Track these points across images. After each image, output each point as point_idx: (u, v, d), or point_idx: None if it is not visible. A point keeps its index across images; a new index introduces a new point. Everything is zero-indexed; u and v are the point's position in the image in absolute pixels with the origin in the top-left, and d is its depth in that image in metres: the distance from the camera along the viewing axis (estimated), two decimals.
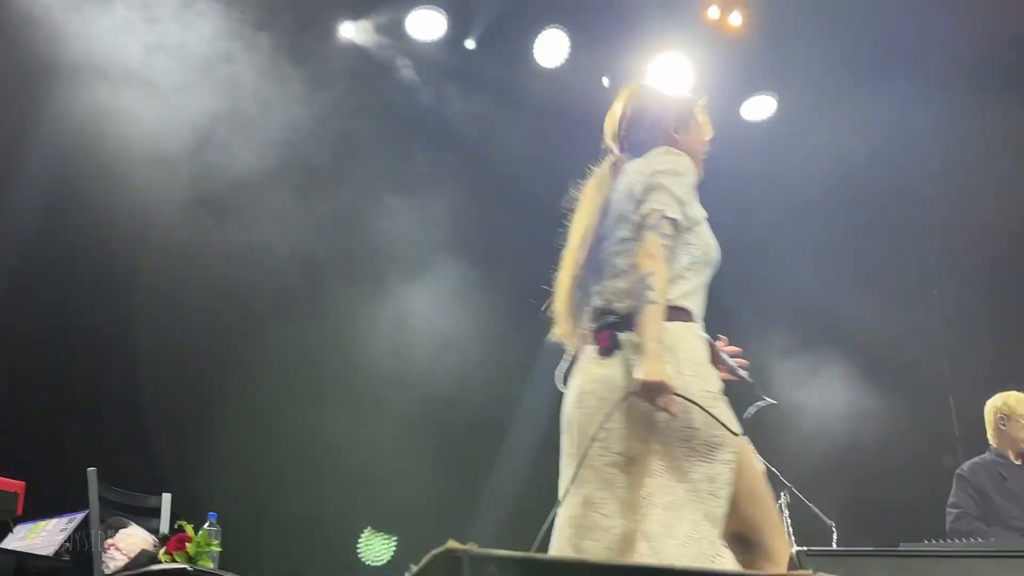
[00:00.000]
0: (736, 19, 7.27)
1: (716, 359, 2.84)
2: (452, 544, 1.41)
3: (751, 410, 2.82)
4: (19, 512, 4.33)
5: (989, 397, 5.35)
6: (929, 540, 4.83)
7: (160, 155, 5.95)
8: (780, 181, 7.47)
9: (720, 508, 2.44)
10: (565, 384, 2.81)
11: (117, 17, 5.94)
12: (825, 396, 6.31)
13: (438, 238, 6.63)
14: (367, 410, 6.35)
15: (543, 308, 2.87)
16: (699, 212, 2.78)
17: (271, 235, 6.25)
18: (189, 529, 4.81)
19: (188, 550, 4.68)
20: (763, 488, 2.61)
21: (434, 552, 1.43)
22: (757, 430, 5.37)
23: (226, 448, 5.95)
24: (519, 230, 6.69)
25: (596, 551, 2.28)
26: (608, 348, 2.64)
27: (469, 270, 6.63)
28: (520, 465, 6.55)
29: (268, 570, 5.49)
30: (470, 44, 7.16)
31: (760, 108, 7.67)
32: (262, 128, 6.23)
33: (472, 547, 1.44)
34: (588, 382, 2.67)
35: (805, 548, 2.20)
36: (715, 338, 2.90)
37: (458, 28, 7.06)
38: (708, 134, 3.03)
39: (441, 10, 6.92)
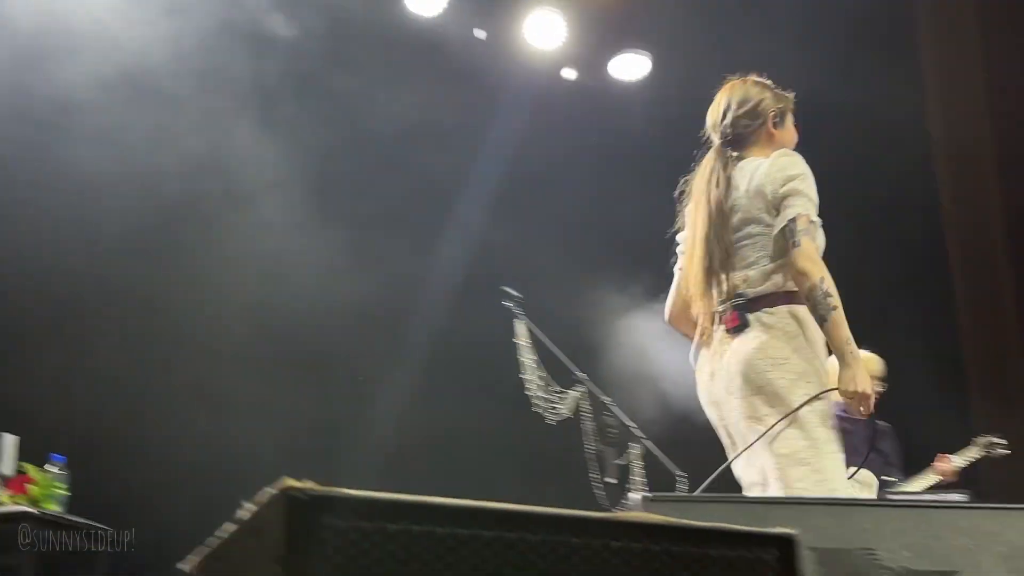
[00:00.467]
0: None
1: None
2: (288, 481, 1.38)
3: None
4: None
5: None
6: None
7: None
8: (654, 140, 7.55)
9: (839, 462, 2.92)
10: (695, 362, 3.28)
11: None
12: (684, 352, 6.45)
13: (289, 173, 6.47)
14: (222, 347, 6.21)
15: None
16: None
17: (117, 168, 6.01)
18: (32, 471, 4.66)
19: (31, 492, 4.54)
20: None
21: (268, 489, 1.40)
22: (617, 382, 5.48)
23: (74, 390, 5.77)
24: (363, 166, 6.67)
25: None
26: (738, 327, 2.99)
27: (319, 203, 6.49)
28: (381, 405, 6.54)
29: (120, 513, 5.35)
30: None
31: (633, 66, 7.71)
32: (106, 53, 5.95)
33: (310, 485, 1.42)
34: (720, 358, 3.07)
35: (649, 494, 2.25)
36: None
37: None
38: (796, 134, 3.32)
39: None
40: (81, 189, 5.97)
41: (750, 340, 2.97)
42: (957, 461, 5.37)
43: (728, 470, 2.98)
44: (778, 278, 3.05)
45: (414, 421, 6.57)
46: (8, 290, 5.87)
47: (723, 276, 3.10)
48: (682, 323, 3.47)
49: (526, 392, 5.01)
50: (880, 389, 5.35)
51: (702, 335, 3.25)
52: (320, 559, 1.37)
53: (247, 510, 1.46)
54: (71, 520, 4.89)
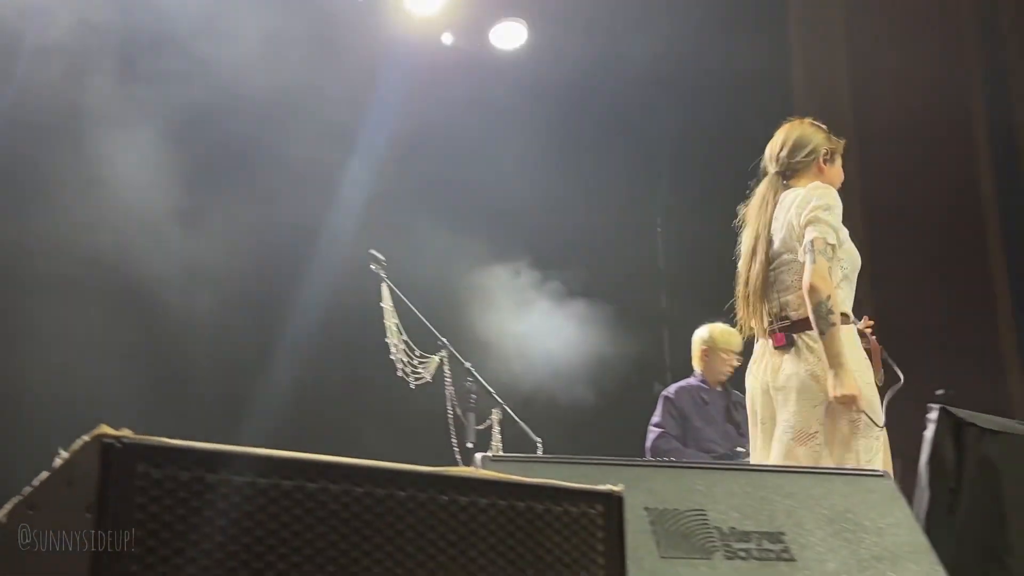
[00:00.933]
0: None
1: (872, 353, 3.53)
2: (103, 429, 1.36)
3: (889, 394, 3.42)
4: None
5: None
6: (631, 457, 5.18)
7: None
8: (529, 109, 7.59)
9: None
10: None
11: None
12: (547, 320, 6.53)
13: (152, 132, 6.27)
14: (75, 294, 6.00)
15: None
16: (844, 232, 3.45)
17: None
18: None
19: None
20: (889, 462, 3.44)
21: (84, 437, 1.37)
22: (480, 349, 5.52)
23: None
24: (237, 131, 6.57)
25: None
26: (784, 345, 3.40)
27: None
28: (242, 360, 6.43)
29: None
30: None
31: (510, 35, 7.72)
32: None
33: (127, 433, 1.40)
34: (768, 371, 3.44)
35: (489, 454, 2.28)
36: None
37: None
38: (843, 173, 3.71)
39: None
40: None
41: (800, 363, 3.38)
42: None
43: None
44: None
45: (276, 379, 6.49)
46: None
47: (767, 299, 3.51)
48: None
49: (390, 356, 5.01)
50: (736, 363, 5.52)
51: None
52: (134, 508, 1.35)
53: (62, 458, 1.43)
54: None
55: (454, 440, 4.74)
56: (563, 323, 6.62)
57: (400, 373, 4.87)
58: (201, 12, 6.37)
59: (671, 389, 5.61)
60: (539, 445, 4.67)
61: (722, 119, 7.78)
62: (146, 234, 6.12)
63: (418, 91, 7.13)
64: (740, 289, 3.62)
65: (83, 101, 6.13)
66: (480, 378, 4.76)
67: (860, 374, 3.35)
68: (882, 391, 3.45)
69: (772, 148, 3.75)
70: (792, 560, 2.35)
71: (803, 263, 3.37)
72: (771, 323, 3.48)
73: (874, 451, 3.33)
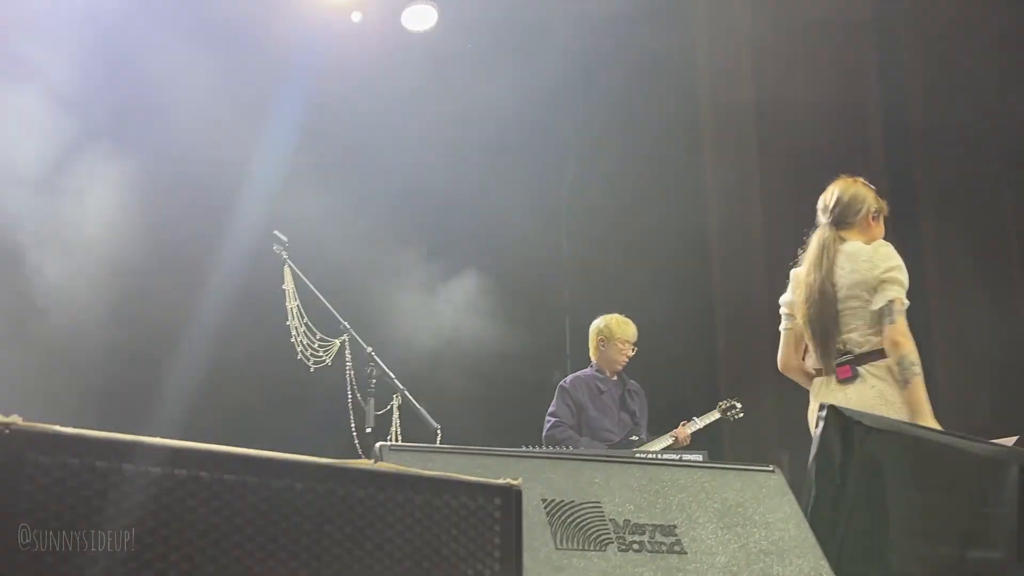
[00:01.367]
0: None
1: None
2: None
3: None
4: None
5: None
6: (529, 446, 5.22)
7: None
8: (437, 91, 7.56)
9: None
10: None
11: None
12: (450, 307, 6.54)
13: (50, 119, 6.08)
14: None
15: None
16: None
17: None
18: None
19: None
20: None
21: None
22: (382, 334, 5.49)
23: None
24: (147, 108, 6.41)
25: None
26: (849, 378, 3.74)
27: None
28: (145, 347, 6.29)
29: None
30: None
31: (421, 18, 7.67)
32: None
33: (16, 420, 1.36)
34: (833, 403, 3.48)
35: (389, 443, 2.27)
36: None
37: None
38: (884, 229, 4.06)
39: None
40: None
41: (868, 388, 3.72)
42: (698, 423, 5.70)
43: None
44: (874, 340, 3.79)
45: (174, 362, 6.36)
46: None
47: (831, 337, 3.84)
48: (793, 372, 4.13)
49: (290, 339, 4.96)
50: (631, 353, 5.62)
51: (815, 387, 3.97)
52: (22, 495, 1.32)
53: None
54: None
55: (353, 425, 4.72)
56: (466, 310, 6.64)
57: (300, 356, 4.82)
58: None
59: (567, 380, 5.69)
60: (438, 432, 4.67)
61: (628, 106, 7.87)
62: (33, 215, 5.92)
63: (326, 70, 7.04)
64: (812, 335, 3.93)
65: None
66: (381, 363, 4.73)
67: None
68: None
69: (826, 201, 4.10)
70: (683, 553, 2.40)
71: (871, 310, 3.79)
72: (836, 358, 3.84)
73: None
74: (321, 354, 4.83)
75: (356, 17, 7.51)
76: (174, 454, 1.51)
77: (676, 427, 5.64)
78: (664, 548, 2.40)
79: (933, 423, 3.60)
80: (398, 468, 1.78)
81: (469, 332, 6.65)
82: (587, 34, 7.46)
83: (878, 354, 3.79)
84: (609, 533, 2.39)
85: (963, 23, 7.47)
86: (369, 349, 4.76)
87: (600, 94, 8.13)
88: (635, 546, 2.38)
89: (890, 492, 2.66)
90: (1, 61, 5.93)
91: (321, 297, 4.85)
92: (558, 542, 2.34)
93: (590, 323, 5.94)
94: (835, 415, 2.68)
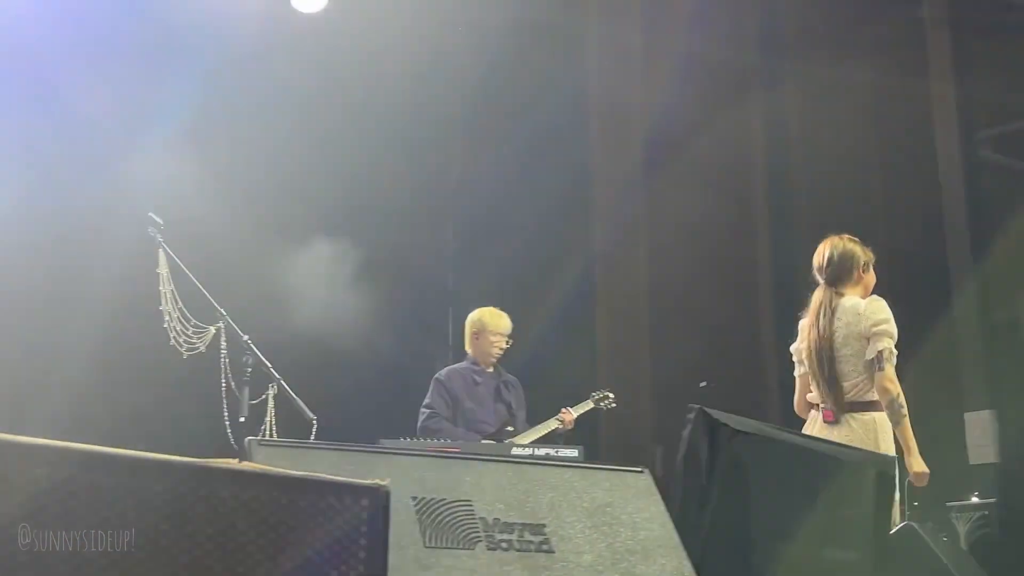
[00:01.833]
0: None
1: None
2: None
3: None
4: None
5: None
6: (406, 438, 5.20)
7: None
8: (325, 75, 7.45)
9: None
10: None
11: None
12: (331, 295, 6.46)
13: None
14: None
15: None
16: None
17: None
18: None
19: None
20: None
21: None
22: (260, 322, 5.39)
23: None
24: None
25: None
26: (832, 421, 4.24)
27: None
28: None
29: None
30: None
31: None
32: None
33: None
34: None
35: (258, 438, 2.24)
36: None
37: None
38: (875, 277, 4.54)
39: None
40: None
41: (844, 434, 4.16)
42: (573, 412, 5.75)
43: None
44: (864, 389, 4.26)
45: (45, 347, 6.15)
46: None
47: (828, 381, 4.30)
48: (805, 413, 4.54)
49: (163, 325, 4.82)
50: (505, 345, 5.65)
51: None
52: None
53: None
54: None
55: (227, 414, 4.62)
56: (349, 300, 6.57)
57: (172, 343, 4.69)
58: None
59: (443, 372, 5.70)
60: (315, 423, 4.61)
61: (515, 99, 7.90)
62: None
63: (211, 51, 6.87)
64: (816, 378, 4.38)
65: None
66: (257, 351, 4.63)
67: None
68: None
69: (820, 261, 4.54)
70: (551, 552, 2.43)
71: (863, 359, 4.26)
72: (825, 400, 4.33)
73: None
74: (195, 340, 4.71)
75: None
76: (26, 452, 1.46)
77: (558, 414, 5.68)
78: (532, 547, 2.42)
79: (918, 458, 4.14)
80: (263, 468, 1.75)
81: (351, 322, 6.57)
82: (483, 32, 7.46)
83: (865, 405, 4.29)
84: (479, 531, 2.40)
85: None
86: (245, 337, 4.65)
87: (487, 87, 8.13)
88: (503, 544, 2.40)
89: (753, 493, 2.73)
90: None
91: (196, 282, 4.71)
92: (427, 540, 2.34)
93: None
94: (703, 417, 2.74)
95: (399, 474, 2.47)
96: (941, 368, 6.53)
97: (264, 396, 4.64)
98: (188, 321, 4.74)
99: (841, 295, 4.46)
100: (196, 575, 1.60)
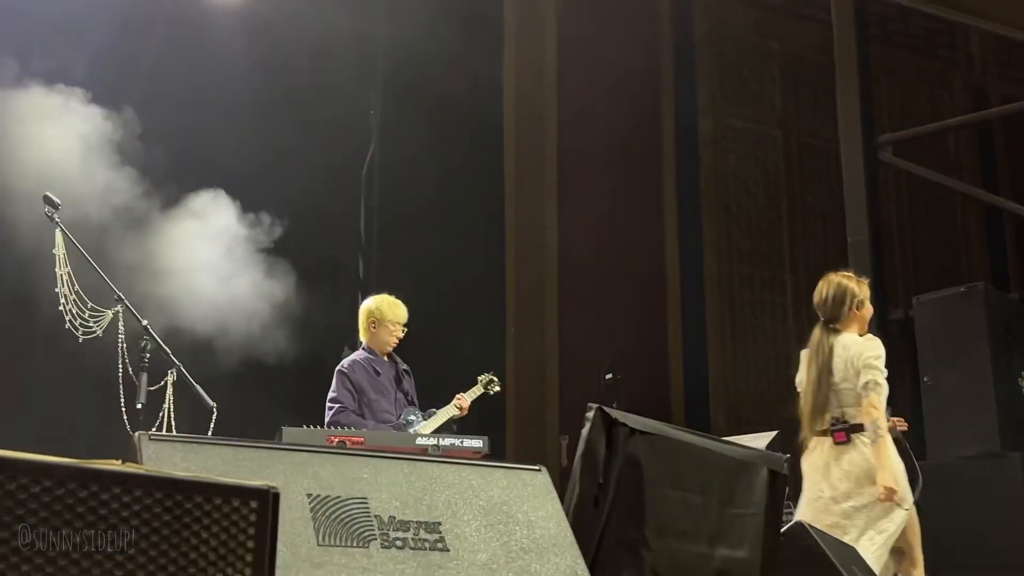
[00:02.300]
0: None
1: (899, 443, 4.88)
2: None
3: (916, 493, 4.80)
4: None
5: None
6: (311, 426, 5.13)
7: None
8: (243, 58, 7.32)
9: (893, 536, 4.52)
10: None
11: None
12: (238, 279, 6.35)
13: None
14: None
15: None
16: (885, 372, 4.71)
17: None
18: None
19: None
20: (913, 530, 4.68)
21: None
22: (160, 305, 5.28)
23: None
24: None
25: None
26: (844, 441, 4.66)
27: None
28: None
29: None
30: None
31: None
32: None
33: None
34: (831, 463, 4.68)
35: (150, 433, 2.19)
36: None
37: None
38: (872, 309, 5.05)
39: None
40: None
41: (856, 452, 4.63)
42: (467, 398, 5.71)
43: None
44: (861, 414, 4.69)
45: None
46: None
47: (820, 413, 4.74)
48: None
49: (59, 307, 4.70)
50: (401, 334, 5.59)
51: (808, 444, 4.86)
52: None
53: None
54: None
55: (123, 400, 4.52)
56: (255, 284, 6.46)
57: (68, 326, 4.57)
58: None
59: (345, 363, 5.57)
60: (215, 410, 4.53)
61: (435, 86, 7.86)
62: None
63: (121, 24, 6.70)
64: (806, 406, 4.83)
65: None
66: (156, 337, 4.53)
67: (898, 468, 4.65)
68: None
69: (817, 299, 4.95)
70: (446, 550, 2.42)
71: (859, 392, 4.67)
72: (832, 425, 4.74)
73: (897, 522, 4.55)
74: (91, 324, 4.60)
75: None
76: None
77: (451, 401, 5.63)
78: (427, 545, 2.42)
79: (891, 476, 4.51)
80: (148, 469, 1.71)
81: (257, 306, 6.47)
82: (404, 26, 7.41)
83: (858, 427, 4.73)
84: (373, 530, 2.39)
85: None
86: (144, 322, 4.55)
87: (407, 75, 8.07)
88: (398, 543, 2.39)
89: (649, 492, 2.76)
90: None
91: (95, 264, 4.59)
92: (320, 538, 2.32)
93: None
94: (601, 416, 2.76)
95: (295, 471, 2.45)
96: None
97: (163, 383, 4.55)
98: (85, 304, 4.63)
99: (838, 332, 4.88)
100: None
